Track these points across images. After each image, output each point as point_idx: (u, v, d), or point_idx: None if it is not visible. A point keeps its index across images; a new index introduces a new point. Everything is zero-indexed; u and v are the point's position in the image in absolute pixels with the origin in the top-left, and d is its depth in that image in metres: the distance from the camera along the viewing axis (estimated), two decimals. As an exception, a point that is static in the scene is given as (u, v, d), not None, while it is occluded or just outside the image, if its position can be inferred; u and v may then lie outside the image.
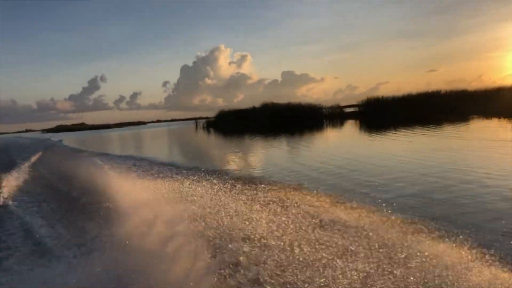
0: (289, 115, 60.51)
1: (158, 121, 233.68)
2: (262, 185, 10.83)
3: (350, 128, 46.24)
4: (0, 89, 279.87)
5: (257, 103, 71.11)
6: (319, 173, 15.02)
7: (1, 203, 11.84)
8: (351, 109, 68.90)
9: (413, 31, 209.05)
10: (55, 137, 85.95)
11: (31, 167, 21.90)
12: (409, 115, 49.27)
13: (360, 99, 66.15)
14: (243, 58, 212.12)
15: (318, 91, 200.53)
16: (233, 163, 20.78)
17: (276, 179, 13.61)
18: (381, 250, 5.49)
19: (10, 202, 12.05)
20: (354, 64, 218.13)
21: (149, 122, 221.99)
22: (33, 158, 26.64)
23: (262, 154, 25.04)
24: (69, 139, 72.50)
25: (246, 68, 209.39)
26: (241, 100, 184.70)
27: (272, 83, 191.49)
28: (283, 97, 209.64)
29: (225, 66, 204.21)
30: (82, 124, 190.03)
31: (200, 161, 21.71)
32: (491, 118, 38.78)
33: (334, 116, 65.90)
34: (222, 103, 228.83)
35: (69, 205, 10.93)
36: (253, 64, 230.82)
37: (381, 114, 56.10)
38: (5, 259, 7.06)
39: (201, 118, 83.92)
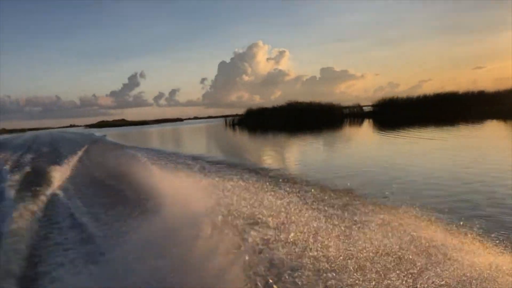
0: (310, 114, 60.14)
1: (196, 117, 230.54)
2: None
3: (362, 127, 45.99)
4: (46, 85, 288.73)
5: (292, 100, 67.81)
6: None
7: (51, 193, 12.27)
8: (370, 109, 67.85)
9: (457, 27, 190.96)
10: (98, 132, 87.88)
11: (78, 160, 22.39)
12: (422, 116, 48.59)
13: (401, 97, 64.15)
14: (281, 54, 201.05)
15: (358, 88, 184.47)
16: (269, 161, 21.00)
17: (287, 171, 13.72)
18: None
19: (60, 193, 12.50)
20: (396, 61, 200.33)
21: (186, 119, 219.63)
22: (80, 152, 27.14)
23: (271, 149, 25.32)
24: (112, 134, 73.80)
25: (284, 65, 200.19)
26: (278, 96, 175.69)
27: (311, 79, 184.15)
28: (321, 94, 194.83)
29: (263, 62, 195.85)
30: (123, 120, 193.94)
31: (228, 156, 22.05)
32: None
33: (354, 115, 65.18)
34: (259, 100, 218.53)
35: (116, 199, 10.91)
36: (291, 61, 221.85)
37: (395, 114, 56.45)
38: (52, 248, 7.18)
39: (237, 115, 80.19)
